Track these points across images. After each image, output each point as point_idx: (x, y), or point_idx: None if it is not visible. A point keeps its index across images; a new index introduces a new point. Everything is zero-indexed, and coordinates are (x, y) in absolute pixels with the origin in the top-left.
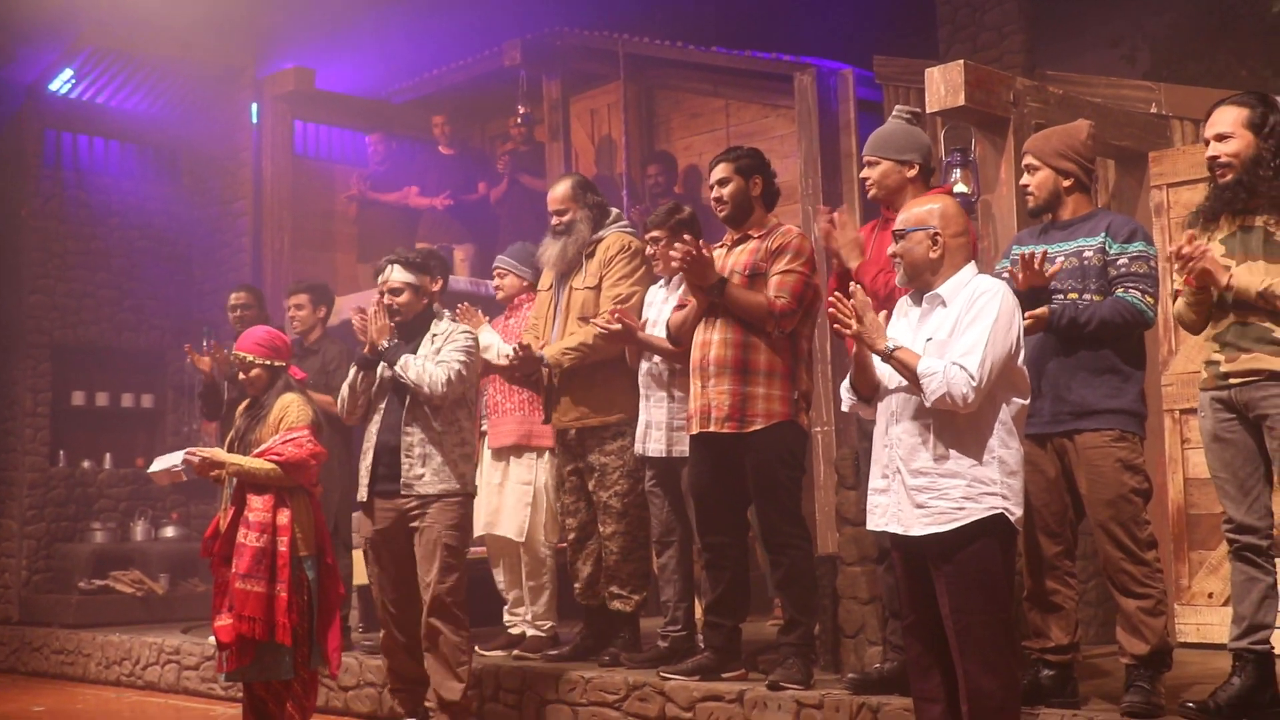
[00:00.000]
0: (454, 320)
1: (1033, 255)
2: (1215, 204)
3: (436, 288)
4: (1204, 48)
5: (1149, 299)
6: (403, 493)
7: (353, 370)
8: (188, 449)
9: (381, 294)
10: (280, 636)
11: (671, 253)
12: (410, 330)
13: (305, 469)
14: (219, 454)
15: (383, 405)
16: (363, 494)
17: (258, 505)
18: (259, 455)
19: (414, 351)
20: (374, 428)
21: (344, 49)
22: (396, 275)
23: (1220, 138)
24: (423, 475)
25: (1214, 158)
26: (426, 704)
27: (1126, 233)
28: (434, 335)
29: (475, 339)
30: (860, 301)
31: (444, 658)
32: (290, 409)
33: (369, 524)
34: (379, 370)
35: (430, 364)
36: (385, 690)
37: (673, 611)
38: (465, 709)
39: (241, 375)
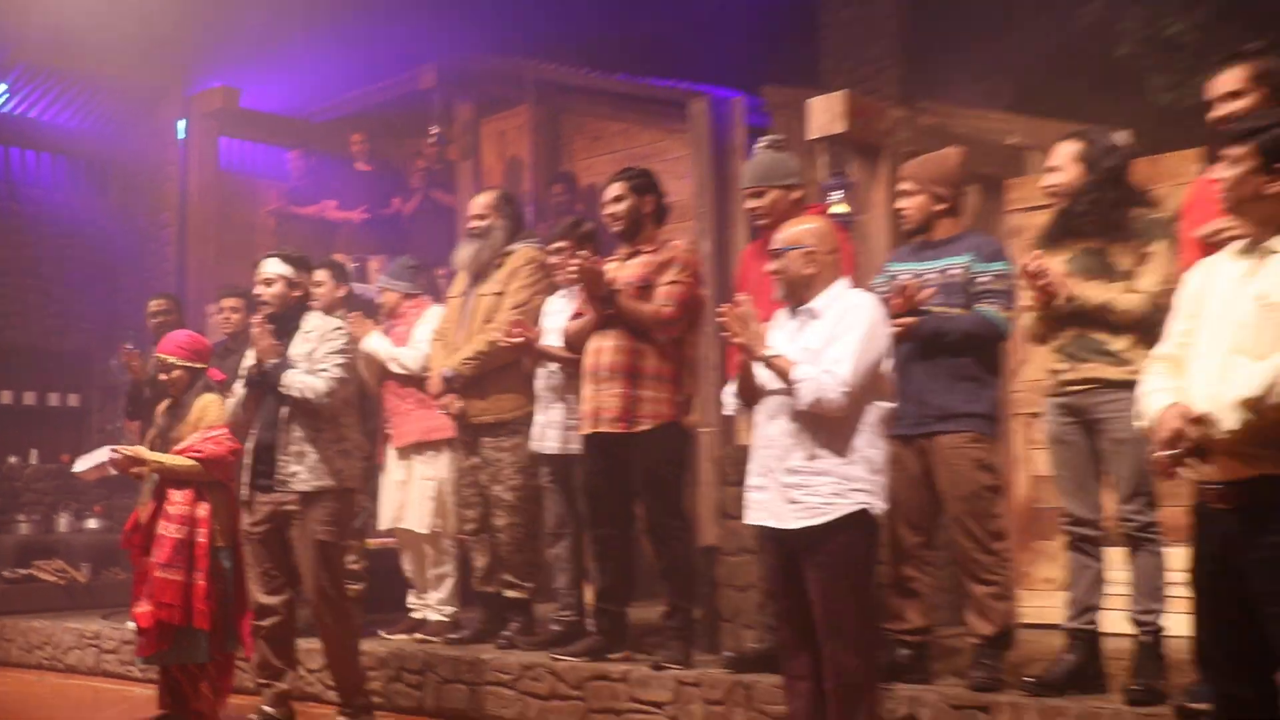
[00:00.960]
0: (340, 317)
1: (908, 285)
2: (1053, 229)
3: (332, 290)
4: (1058, 84)
5: (1006, 313)
6: (278, 489)
7: (242, 390)
8: (111, 447)
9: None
10: (198, 622)
11: (569, 264)
12: (282, 322)
13: (224, 465)
14: (142, 452)
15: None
16: (244, 492)
17: (178, 499)
18: (180, 452)
19: (286, 345)
20: (254, 426)
21: (269, 70)
22: (270, 267)
23: (1052, 169)
24: (298, 472)
25: (1045, 187)
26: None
27: (989, 252)
28: (307, 332)
29: (349, 335)
30: (745, 312)
31: (333, 649)
32: (210, 409)
33: (246, 518)
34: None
35: (309, 377)
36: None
37: (565, 598)
38: (360, 691)
39: (163, 376)
